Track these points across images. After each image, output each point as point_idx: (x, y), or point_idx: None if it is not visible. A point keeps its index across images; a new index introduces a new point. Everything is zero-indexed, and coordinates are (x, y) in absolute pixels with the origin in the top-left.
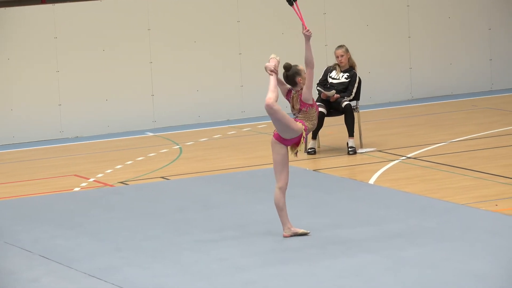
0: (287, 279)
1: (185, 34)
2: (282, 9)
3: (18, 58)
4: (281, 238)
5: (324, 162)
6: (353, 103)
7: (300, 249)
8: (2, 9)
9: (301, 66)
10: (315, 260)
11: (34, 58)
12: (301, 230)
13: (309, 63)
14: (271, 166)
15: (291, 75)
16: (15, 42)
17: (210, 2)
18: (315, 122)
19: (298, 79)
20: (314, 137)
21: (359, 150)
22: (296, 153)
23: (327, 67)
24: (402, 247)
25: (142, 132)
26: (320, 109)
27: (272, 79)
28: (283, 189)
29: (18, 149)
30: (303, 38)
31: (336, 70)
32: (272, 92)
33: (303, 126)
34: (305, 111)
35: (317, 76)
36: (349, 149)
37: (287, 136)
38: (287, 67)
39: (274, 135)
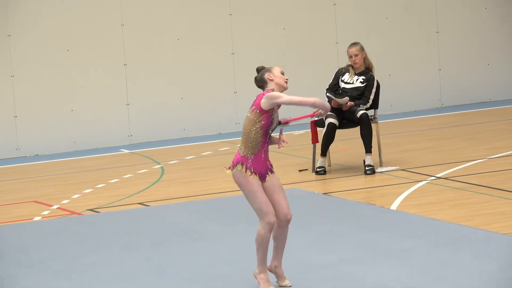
0: None
1: (165, 31)
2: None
3: None
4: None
5: (336, 184)
6: (370, 112)
7: None
8: None
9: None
10: None
11: None
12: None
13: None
14: None
15: (259, 75)
16: None
17: None
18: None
19: (267, 75)
20: (324, 153)
21: (378, 169)
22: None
23: (339, 69)
24: (429, 286)
25: (116, 149)
26: (331, 119)
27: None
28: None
29: None
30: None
31: (349, 72)
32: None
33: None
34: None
35: (327, 79)
36: (366, 168)
37: None
38: (259, 69)
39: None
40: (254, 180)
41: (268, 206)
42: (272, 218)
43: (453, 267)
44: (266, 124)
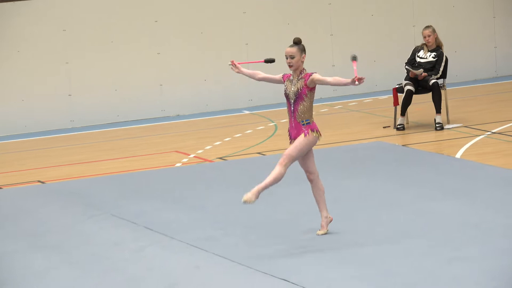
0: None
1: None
2: None
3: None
4: (372, 207)
5: (412, 137)
6: (440, 81)
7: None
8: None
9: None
10: (406, 231)
11: (135, 41)
12: None
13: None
14: (363, 142)
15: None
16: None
17: None
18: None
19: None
20: (403, 113)
21: (446, 126)
22: None
23: (415, 47)
24: (489, 219)
25: (239, 110)
26: (409, 87)
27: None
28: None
29: (122, 127)
30: None
31: (423, 49)
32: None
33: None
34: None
35: (406, 55)
36: (437, 125)
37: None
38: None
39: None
40: None
41: None
42: None
43: (507, 203)
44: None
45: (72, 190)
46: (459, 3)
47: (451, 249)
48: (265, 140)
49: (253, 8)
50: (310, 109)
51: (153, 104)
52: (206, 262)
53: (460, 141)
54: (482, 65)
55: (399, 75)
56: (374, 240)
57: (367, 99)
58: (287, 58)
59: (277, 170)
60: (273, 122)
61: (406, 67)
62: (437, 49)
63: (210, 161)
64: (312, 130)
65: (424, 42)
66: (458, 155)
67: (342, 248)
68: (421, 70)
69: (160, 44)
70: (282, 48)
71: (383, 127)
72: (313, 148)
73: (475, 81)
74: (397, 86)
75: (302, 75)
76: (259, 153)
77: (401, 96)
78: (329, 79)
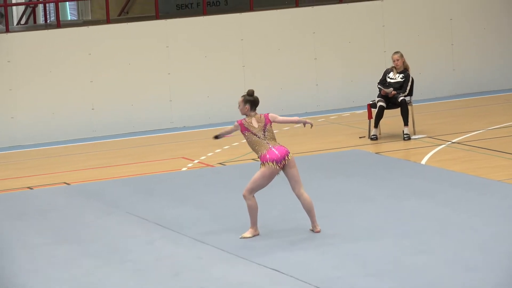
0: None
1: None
2: None
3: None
4: (349, 204)
5: (384, 146)
6: (407, 98)
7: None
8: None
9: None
10: (379, 225)
11: (150, 64)
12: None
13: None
14: (342, 150)
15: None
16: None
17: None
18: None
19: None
20: (376, 126)
21: (413, 137)
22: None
23: (386, 69)
24: (448, 215)
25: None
26: (381, 103)
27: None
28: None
29: (137, 136)
30: None
31: (393, 71)
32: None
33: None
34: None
35: (378, 76)
36: (405, 136)
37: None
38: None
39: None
40: None
41: None
42: None
43: (464, 201)
44: None
45: (93, 191)
46: (423, 32)
47: (417, 242)
48: None
49: (250, 36)
50: (252, 146)
51: (164, 117)
52: (207, 253)
53: (424, 149)
54: (442, 85)
55: (372, 93)
56: (351, 234)
57: (346, 113)
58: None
59: (247, 204)
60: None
61: (379, 86)
62: (405, 71)
63: (212, 166)
64: (262, 163)
65: (393, 65)
66: (423, 162)
67: (324, 242)
68: (391, 89)
69: (170, 65)
70: (274, 72)
71: (359, 137)
72: (295, 163)
73: (437, 98)
74: (371, 102)
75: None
76: (253, 159)
77: (374, 111)
78: (230, 128)
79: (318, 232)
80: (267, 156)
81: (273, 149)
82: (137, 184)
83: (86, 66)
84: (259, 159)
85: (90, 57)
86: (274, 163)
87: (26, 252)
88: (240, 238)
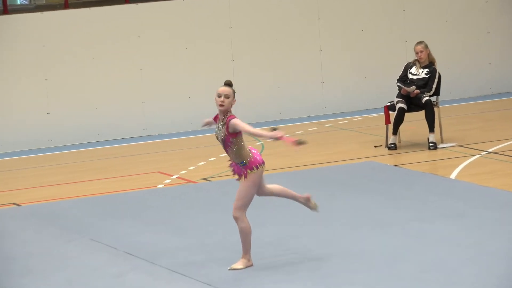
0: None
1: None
2: None
3: (101, 56)
4: (362, 229)
5: (405, 157)
6: (433, 99)
7: (387, 245)
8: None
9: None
10: (398, 254)
11: (117, 58)
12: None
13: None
14: (353, 161)
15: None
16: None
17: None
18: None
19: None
20: (395, 132)
21: (440, 145)
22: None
23: (407, 63)
24: (482, 241)
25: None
26: (401, 104)
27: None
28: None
29: (103, 146)
30: None
31: (416, 66)
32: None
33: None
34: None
35: (397, 72)
36: (430, 144)
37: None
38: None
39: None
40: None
41: None
42: None
43: (501, 225)
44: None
45: (49, 213)
46: (452, 17)
47: (443, 274)
48: None
49: (239, 23)
50: (241, 150)
51: (135, 122)
52: None
53: (454, 161)
54: (476, 82)
55: (390, 93)
56: (365, 264)
57: (358, 117)
58: (220, 97)
59: (239, 227)
60: (259, 141)
61: (398, 84)
62: (430, 65)
63: (194, 182)
64: (251, 169)
65: (416, 58)
66: (452, 176)
67: (331, 273)
68: (414, 87)
69: (143, 60)
70: (269, 65)
71: (374, 147)
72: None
73: (469, 99)
74: (388, 103)
75: (225, 119)
76: None
77: (392, 114)
78: (249, 128)
79: (309, 197)
80: (257, 158)
81: (252, 149)
82: (103, 205)
83: (39, 60)
84: (243, 168)
85: (44, 49)
86: (264, 165)
87: None
88: (229, 269)
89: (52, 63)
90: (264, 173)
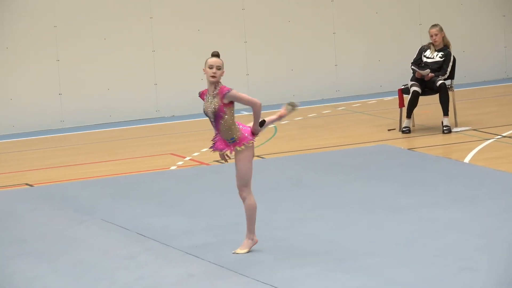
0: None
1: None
2: None
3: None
4: (375, 213)
5: (418, 141)
6: (447, 82)
7: (397, 229)
8: None
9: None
10: (412, 239)
11: (130, 39)
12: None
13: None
14: (366, 145)
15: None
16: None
17: None
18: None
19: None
20: (409, 116)
21: (454, 129)
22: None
23: (422, 46)
24: (496, 226)
25: (237, 111)
26: (415, 88)
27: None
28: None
29: (116, 127)
30: None
31: (430, 49)
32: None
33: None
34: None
35: (412, 55)
36: (444, 128)
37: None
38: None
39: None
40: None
41: None
42: None
43: None
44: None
45: (62, 194)
46: (467, 0)
47: (457, 259)
48: (264, 143)
49: (253, 5)
50: (232, 124)
51: (148, 104)
52: (200, 270)
53: (468, 145)
54: (491, 66)
55: (404, 76)
56: (378, 249)
57: (371, 101)
58: (211, 68)
59: (245, 205)
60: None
61: (412, 67)
62: (445, 48)
63: (207, 164)
64: (240, 146)
65: (431, 41)
66: (466, 160)
67: (345, 257)
68: (428, 70)
69: (155, 41)
70: (282, 47)
71: (388, 130)
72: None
73: (484, 82)
74: (402, 87)
75: (217, 90)
76: (258, 156)
77: (406, 98)
78: (247, 98)
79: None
80: (246, 135)
81: (240, 125)
82: (115, 186)
83: (50, 41)
84: (232, 144)
85: (55, 30)
86: (254, 140)
87: None
88: (233, 253)
89: (64, 44)
90: (278, 155)
